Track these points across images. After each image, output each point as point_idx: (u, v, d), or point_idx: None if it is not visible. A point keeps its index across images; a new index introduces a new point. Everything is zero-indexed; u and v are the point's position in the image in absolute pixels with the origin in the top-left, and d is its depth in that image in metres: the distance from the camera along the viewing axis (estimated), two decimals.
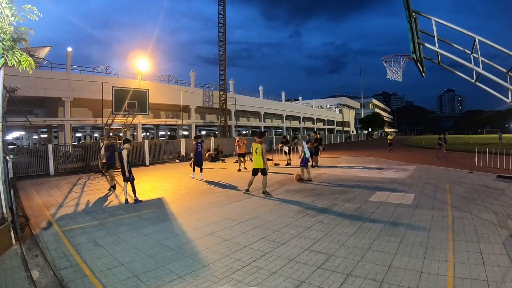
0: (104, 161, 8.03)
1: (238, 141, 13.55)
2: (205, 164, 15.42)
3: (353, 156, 19.16)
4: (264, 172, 7.67)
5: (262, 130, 39.60)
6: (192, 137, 29.54)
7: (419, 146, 30.05)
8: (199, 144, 10.71)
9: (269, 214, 5.79)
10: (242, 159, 13.19)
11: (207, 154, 17.45)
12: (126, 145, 7.29)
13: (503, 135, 38.67)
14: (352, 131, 71.32)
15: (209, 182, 9.95)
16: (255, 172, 7.79)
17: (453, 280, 3.05)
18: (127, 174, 7.04)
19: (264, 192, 7.65)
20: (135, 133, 27.18)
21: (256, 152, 7.67)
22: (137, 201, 7.14)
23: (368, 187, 8.34)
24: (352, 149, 27.88)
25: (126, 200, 7.10)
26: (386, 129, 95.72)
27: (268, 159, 15.91)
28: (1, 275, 3.47)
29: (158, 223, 5.43)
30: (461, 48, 5.57)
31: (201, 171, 10.76)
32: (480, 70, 5.21)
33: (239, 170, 12.70)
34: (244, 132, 45.23)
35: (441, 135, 16.48)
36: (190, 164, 11.98)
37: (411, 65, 7.36)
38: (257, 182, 8.03)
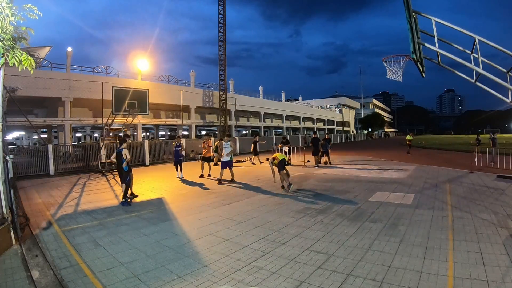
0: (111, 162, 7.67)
1: (204, 142, 11.55)
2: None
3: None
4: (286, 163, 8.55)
5: (263, 130, 39.62)
6: (193, 136, 29.75)
7: (421, 146, 29.90)
8: (179, 147, 11.05)
9: (269, 214, 5.79)
10: (208, 164, 11.42)
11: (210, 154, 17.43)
12: (125, 144, 7.14)
13: (493, 136, 40.04)
14: (352, 131, 71.31)
15: (208, 182, 9.95)
16: (283, 165, 8.28)
17: (453, 280, 3.05)
18: (125, 175, 6.94)
19: (289, 185, 8.08)
20: (135, 133, 27.17)
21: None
22: (124, 203, 6.78)
23: (368, 187, 8.34)
24: (354, 150, 27.66)
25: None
26: (387, 129, 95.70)
27: (268, 159, 16.01)
28: (1, 275, 3.47)
29: (158, 223, 5.43)
30: (461, 48, 5.57)
31: (177, 170, 11.09)
32: (480, 70, 5.21)
33: (201, 176, 11.05)
34: (244, 132, 45.25)
35: (493, 134, 14.92)
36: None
37: (411, 65, 7.37)
38: (259, 182, 8.04)
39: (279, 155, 8.46)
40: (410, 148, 20.66)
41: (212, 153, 12.74)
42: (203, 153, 11.52)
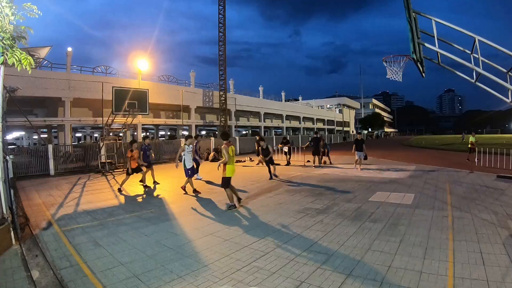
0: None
1: (130, 150, 8.72)
2: (205, 163, 15.40)
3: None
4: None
5: (263, 130, 39.60)
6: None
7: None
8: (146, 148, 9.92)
9: (269, 214, 5.79)
10: (140, 174, 9.03)
11: (211, 155, 17.48)
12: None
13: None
14: (352, 131, 71.34)
15: (208, 182, 9.94)
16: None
17: (453, 280, 3.05)
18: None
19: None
20: (135, 133, 27.16)
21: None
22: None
23: (368, 187, 8.34)
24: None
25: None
26: (387, 129, 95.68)
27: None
28: (1, 275, 3.46)
29: (158, 223, 5.43)
30: (461, 48, 5.58)
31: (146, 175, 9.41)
32: (480, 70, 5.21)
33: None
34: (244, 132, 45.22)
35: None
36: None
37: (411, 65, 7.37)
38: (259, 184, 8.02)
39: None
40: (472, 153, 13.49)
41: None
42: (131, 164, 8.68)
